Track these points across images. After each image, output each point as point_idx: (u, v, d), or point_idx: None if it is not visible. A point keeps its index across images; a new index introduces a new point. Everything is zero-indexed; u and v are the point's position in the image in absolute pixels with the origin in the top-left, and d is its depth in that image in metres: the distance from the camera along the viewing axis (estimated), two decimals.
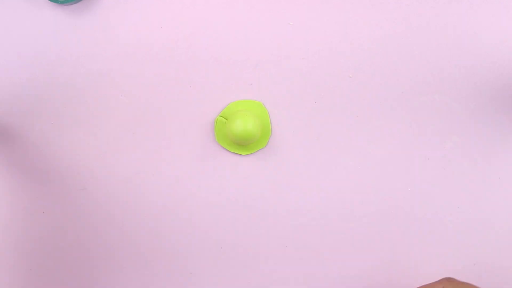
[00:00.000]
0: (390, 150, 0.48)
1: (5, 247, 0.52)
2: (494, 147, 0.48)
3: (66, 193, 0.51)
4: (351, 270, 0.49)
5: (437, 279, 0.49)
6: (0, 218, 0.52)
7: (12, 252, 0.52)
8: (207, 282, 0.51)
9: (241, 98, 0.49)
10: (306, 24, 0.48)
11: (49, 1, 0.50)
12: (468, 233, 0.48)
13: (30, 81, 0.51)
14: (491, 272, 0.48)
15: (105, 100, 0.51)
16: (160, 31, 0.50)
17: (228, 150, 0.50)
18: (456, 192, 0.48)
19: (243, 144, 0.48)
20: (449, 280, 0.40)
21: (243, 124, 0.46)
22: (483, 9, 0.47)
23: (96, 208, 0.51)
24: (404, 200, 0.48)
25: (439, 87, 0.48)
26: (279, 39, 0.49)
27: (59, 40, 0.51)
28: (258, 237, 0.50)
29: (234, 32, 0.49)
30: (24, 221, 0.52)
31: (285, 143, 0.49)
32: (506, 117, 0.47)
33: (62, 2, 0.49)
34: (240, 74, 0.49)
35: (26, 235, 0.52)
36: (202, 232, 0.51)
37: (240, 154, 0.50)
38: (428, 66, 0.48)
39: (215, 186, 0.50)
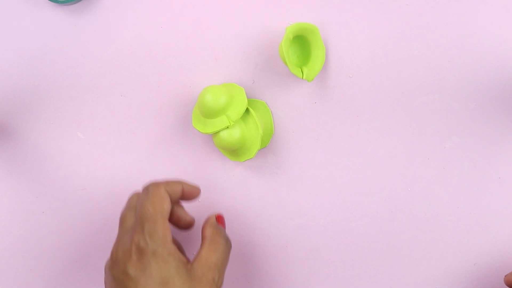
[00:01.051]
0: (390, 150, 0.48)
1: (5, 247, 0.52)
2: (494, 147, 0.48)
3: (66, 193, 0.51)
4: (351, 270, 0.49)
5: (437, 279, 0.49)
6: (0, 218, 0.52)
7: (12, 252, 0.52)
8: None
9: None
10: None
11: (49, 1, 0.50)
12: (468, 233, 0.48)
13: (30, 81, 0.51)
14: (491, 272, 0.48)
15: (105, 100, 0.51)
16: (160, 31, 0.50)
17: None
18: (456, 192, 0.48)
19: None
20: None
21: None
22: (483, 9, 0.47)
23: (96, 208, 0.51)
24: (404, 200, 0.48)
25: (439, 87, 0.48)
26: (279, 39, 0.49)
27: (59, 40, 0.51)
28: (258, 237, 0.50)
29: (234, 32, 0.49)
30: (24, 221, 0.52)
31: (284, 143, 0.49)
32: (506, 117, 0.47)
33: (62, 2, 0.49)
34: (240, 74, 0.49)
35: (26, 235, 0.52)
36: None
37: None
38: (428, 66, 0.48)
39: (215, 186, 0.50)
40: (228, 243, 0.42)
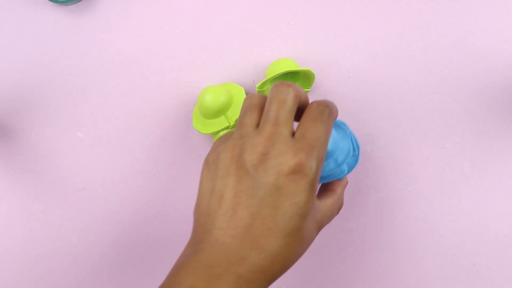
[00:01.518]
0: (390, 150, 0.48)
1: (5, 247, 0.52)
2: (494, 147, 0.48)
3: (66, 193, 0.51)
4: (351, 270, 0.49)
5: (437, 279, 0.49)
6: (0, 218, 0.52)
7: (12, 252, 0.52)
8: None
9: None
10: (306, 24, 0.48)
11: (49, 1, 0.50)
12: (468, 233, 0.48)
13: (30, 81, 0.51)
14: (491, 272, 0.48)
15: (105, 100, 0.51)
16: (160, 31, 0.50)
17: None
18: (456, 192, 0.48)
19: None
20: None
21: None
22: (483, 9, 0.47)
23: (96, 208, 0.51)
24: (404, 200, 0.48)
25: (439, 87, 0.48)
26: (279, 39, 0.49)
27: (59, 40, 0.51)
28: None
29: (234, 32, 0.49)
30: (24, 221, 0.52)
31: None
32: (506, 117, 0.47)
33: (62, 2, 0.49)
34: (240, 74, 0.49)
35: (26, 235, 0.52)
36: None
37: None
38: (428, 66, 0.48)
39: None
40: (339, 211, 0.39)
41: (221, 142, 0.37)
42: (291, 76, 0.47)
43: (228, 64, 0.49)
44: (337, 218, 0.49)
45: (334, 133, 0.39)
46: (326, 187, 0.39)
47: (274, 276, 0.34)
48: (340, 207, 0.39)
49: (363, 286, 0.49)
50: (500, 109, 0.47)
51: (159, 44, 0.50)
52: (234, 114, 0.45)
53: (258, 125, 0.35)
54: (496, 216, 0.48)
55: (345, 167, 0.40)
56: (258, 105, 0.36)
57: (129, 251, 0.51)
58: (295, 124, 0.36)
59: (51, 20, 0.50)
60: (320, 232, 0.49)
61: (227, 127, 0.45)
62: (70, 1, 0.49)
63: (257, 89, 0.46)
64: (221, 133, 0.45)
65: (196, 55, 0.50)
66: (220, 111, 0.45)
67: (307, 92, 0.48)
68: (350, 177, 0.49)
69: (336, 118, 0.36)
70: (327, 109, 0.34)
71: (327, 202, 0.37)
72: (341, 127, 0.40)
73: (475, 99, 0.47)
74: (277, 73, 0.44)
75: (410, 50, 0.48)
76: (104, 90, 0.51)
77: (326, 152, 0.34)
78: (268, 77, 0.45)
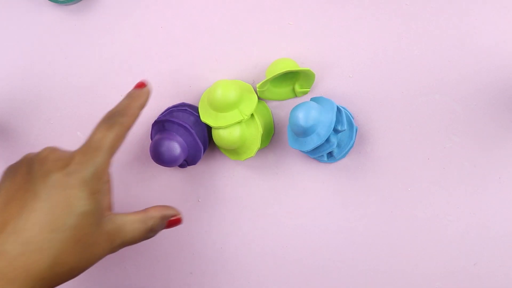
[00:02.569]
0: (390, 150, 0.48)
1: None
2: (494, 147, 0.48)
3: None
4: (351, 270, 0.49)
5: (437, 279, 0.49)
6: None
7: None
8: (207, 282, 0.51)
9: None
10: (306, 24, 0.48)
11: (49, 1, 0.50)
12: (468, 233, 0.48)
13: (30, 81, 0.51)
14: (491, 272, 0.48)
15: (105, 100, 0.51)
16: (160, 31, 0.50)
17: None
18: (456, 192, 0.48)
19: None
20: None
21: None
22: (483, 9, 0.47)
23: None
24: (404, 200, 0.48)
25: (439, 87, 0.48)
26: (279, 39, 0.49)
27: (59, 40, 0.51)
28: (257, 237, 0.50)
29: (234, 32, 0.49)
30: None
31: (284, 143, 0.49)
32: (506, 117, 0.47)
33: (62, 2, 0.49)
34: (240, 74, 0.49)
35: None
36: (202, 232, 0.51)
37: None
38: (428, 66, 0.48)
39: (215, 185, 0.50)
40: (150, 235, 0.39)
41: None
42: (291, 76, 0.47)
43: (228, 64, 0.49)
44: (337, 218, 0.49)
45: (316, 108, 0.42)
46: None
47: (42, 276, 0.31)
48: (146, 230, 0.38)
49: (364, 286, 0.49)
50: (500, 109, 0.47)
51: (159, 44, 0.50)
52: (247, 108, 0.45)
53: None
54: (496, 216, 0.48)
55: (333, 139, 0.44)
56: None
57: (128, 250, 0.51)
58: None
59: (51, 20, 0.50)
60: (321, 232, 0.50)
61: (241, 121, 0.45)
62: (70, 1, 0.49)
63: (257, 89, 0.46)
64: (221, 132, 0.45)
65: (196, 55, 0.50)
66: (233, 105, 0.45)
67: (306, 92, 0.48)
68: (349, 175, 0.49)
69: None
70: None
71: (128, 218, 0.37)
72: (327, 102, 0.43)
73: (475, 99, 0.47)
74: (277, 73, 0.44)
75: (410, 50, 0.48)
76: (104, 90, 0.51)
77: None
78: (268, 77, 0.45)
